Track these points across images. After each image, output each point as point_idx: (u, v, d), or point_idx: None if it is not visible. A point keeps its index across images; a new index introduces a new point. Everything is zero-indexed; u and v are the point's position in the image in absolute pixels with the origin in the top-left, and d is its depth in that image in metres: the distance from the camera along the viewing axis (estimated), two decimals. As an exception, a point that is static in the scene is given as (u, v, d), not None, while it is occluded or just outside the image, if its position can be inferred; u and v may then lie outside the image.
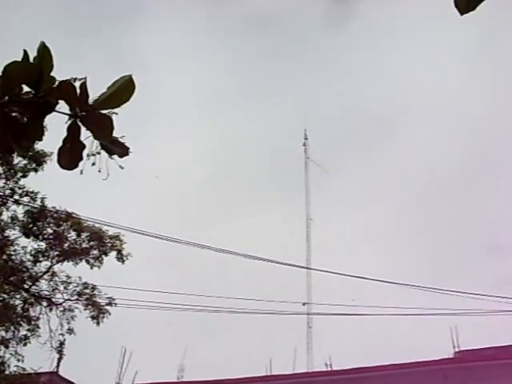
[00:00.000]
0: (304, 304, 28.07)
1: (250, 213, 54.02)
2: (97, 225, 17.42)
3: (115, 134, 2.38)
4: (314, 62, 59.74)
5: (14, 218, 16.58)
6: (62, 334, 16.93)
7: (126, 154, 2.46)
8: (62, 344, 16.96)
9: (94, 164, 2.45)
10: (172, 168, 54.78)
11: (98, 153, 2.43)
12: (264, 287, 26.81)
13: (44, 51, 2.21)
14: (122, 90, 2.24)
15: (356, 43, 55.83)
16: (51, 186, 17.18)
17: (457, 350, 21.56)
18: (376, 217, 53.09)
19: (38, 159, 15.47)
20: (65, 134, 2.34)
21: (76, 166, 2.37)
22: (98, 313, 17.01)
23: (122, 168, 2.48)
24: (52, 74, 2.24)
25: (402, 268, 40.60)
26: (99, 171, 2.45)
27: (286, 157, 55.99)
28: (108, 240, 17.44)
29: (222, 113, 58.71)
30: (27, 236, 16.77)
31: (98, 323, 17.00)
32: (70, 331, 17.13)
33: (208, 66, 53.64)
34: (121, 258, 17.45)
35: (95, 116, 2.30)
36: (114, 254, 17.51)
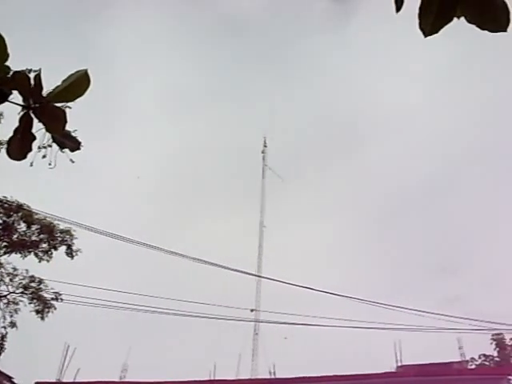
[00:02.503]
0: (252, 310, 28.15)
1: (205, 217, 53.88)
2: (48, 218, 17.17)
3: (69, 127, 2.36)
4: (284, 70, 60.20)
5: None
6: (4, 328, 16.60)
7: (78, 148, 2.45)
8: (2, 337, 16.61)
9: (44, 156, 2.43)
10: (133, 167, 54.34)
11: (50, 145, 2.41)
12: (214, 292, 26.72)
13: (-2, 41, 2.18)
14: (77, 84, 2.23)
15: (327, 56, 56.48)
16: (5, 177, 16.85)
17: (399, 364, 21.93)
18: (331, 229, 53.57)
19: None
20: (17, 124, 2.31)
21: (25, 157, 2.35)
22: (44, 307, 16.73)
23: (73, 162, 2.47)
24: (17, 65, 2.21)
25: (354, 281, 41.05)
26: (50, 164, 2.43)
27: (244, 163, 56.20)
28: (59, 234, 17.19)
29: (185, 114, 58.55)
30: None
31: (42, 318, 16.72)
32: (13, 325, 16.79)
33: (176, 66, 53.45)
34: (70, 253, 17.22)
35: (48, 108, 2.28)
36: (63, 248, 17.29)
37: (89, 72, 2.20)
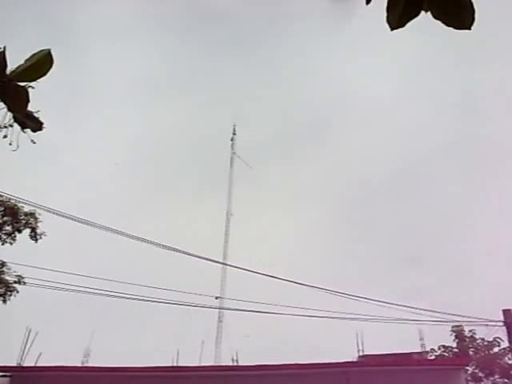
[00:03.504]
0: (217, 298, 28.20)
1: (172, 203, 53.71)
2: (12, 200, 16.91)
3: (32, 108, 2.34)
4: (257, 62, 60.05)
5: None
6: (-36, 310, 16.35)
7: (40, 128, 2.42)
8: (-38, 320, 16.37)
9: (5, 136, 2.40)
10: (100, 152, 53.77)
11: (11, 125, 2.38)
12: (179, 279, 26.67)
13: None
14: (40, 64, 2.21)
15: (298, 46, 56.49)
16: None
17: (361, 354, 22.25)
18: (299, 219, 53.89)
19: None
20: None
21: (-16, 136, 2.32)
22: (6, 290, 16.51)
23: (34, 143, 2.44)
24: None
25: (319, 271, 41.43)
26: (10, 144, 2.40)
27: (213, 151, 56.05)
28: (23, 217, 16.95)
29: (155, 101, 58.10)
30: None
31: (4, 301, 16.50)
32: (-28, 308, 16.55)
33: (147, 53, 52.90)
34: (34, 236, 17.00)
35: (11, 87, 2.25)
36: (27, 231, 17.06)
37: (52, 52, 2.19)
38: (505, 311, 19.26)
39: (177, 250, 15.84)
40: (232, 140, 48.54)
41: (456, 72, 54.19)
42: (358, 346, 23.34)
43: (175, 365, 23.11)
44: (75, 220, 15.08)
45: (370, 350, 21.45)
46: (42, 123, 2.40)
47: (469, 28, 2.48)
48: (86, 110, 50.76)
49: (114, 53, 51.66)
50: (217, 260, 19.81)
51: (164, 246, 15.76)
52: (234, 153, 47.70)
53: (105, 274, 17.66)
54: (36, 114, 2.38)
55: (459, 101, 54.71)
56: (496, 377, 28.89)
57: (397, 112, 56.36)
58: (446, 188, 54.76)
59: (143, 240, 15.34)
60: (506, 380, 28.46)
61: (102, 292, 16.42)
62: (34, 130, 2.40)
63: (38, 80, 2.23)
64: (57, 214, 16.28)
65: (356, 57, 55.15)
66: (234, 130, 48.86)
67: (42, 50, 2.20)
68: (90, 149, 52.42)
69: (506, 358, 27.62)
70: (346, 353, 22.94)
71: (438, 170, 56.32)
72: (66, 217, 15.82)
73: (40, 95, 2.31)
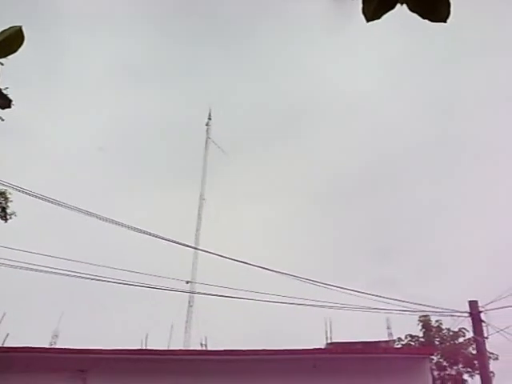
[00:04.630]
0: (187, 282, 28.17)
1: (146, 187, 53.44)
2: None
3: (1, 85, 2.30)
4: (236, 51, 59.78)
5: None
6: None
7: (8, 106, 2.39)
8: None
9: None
10: (75, 134, 53.11)
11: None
12: (151, 263, 26.62)
13: None
14: (10, 41, 2.17)
15: (279, 37, 56.36)
16: None
17: (329, 341, 22.54)
18: (272, 207, 54.04)
19: None
20: None
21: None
22: (-27, 270, 16.30)
23: (3, 120, 2.41)
24: None
25: (291, 260, 41.75)
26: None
27: (188, 136, 55.74)
28: (-8, 196, 16.72)
29: (131, 86, 57.50)
30: None
31: (-30, 280, 16.32)
32: None
33: (127, 37, 52.29)
34: (4, 216, 16.80)
35: (-21, 63, 2.21)
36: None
37: (23, 29, 2.15)
38: (470, 302, 19.59)
39: (148, 233, 15.77)
40: (207, 125, 48.31)
41: (437, 71, 54.73)
42: (326, 334, 23.68)
43: (144, 348, 23.14)
44: (46, 200, 14.91)
45: (338, 338, 21.75)
46: (10, 100, 2.36)
47: (444, 21, 2.49)
48: (61, 91, 50.11)
49: (91, 36, 51.03)
50: (188, 244, 19.78)
51: (135, 229, 15.68)
52: (209, 138, 47.52)
53: (76, 255, 17.53)
54: (5, 92, 2.34)
55: (437, 100, 55.30)
56: (460, 366, 29.49)
57: (376, 108, 56.80)
58: (419, 184, 55.48)
59: (114, 222, 15.24)
60: (469, 369, 29.06)
61: (72, 274, 16.28)
62: (2, 107, 2.37)
63: (8, 57, 2.19)
64: (28, 193, 16.05)
65: (338, 51, 55.22)
66: (210, 115, 48.62)
67: (13, 27, 2.16)
68: (65, 131, 51.83)
69: (470, 348, 28.17)
70: (315, 340, 23.25)
71: (413, 167, 57.02)
72: (37, 197, 15.60)
73: (11, 72, 2.28)
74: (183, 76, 59.23)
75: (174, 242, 16.30)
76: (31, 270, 16.08)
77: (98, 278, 16.48)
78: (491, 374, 23.72)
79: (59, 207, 14.71)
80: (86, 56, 52.02)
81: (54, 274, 16.02)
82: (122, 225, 15.40)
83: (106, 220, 15.40)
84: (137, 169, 54.54)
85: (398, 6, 2.49)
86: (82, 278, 16.30)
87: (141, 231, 15.73)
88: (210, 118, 48.45)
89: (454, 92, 53.76)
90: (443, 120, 55.57)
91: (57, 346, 25.14)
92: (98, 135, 51.72)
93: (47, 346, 22.74)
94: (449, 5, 2.44)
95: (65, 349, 16.90)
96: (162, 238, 15.86)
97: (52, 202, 14.71)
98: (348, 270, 43.98)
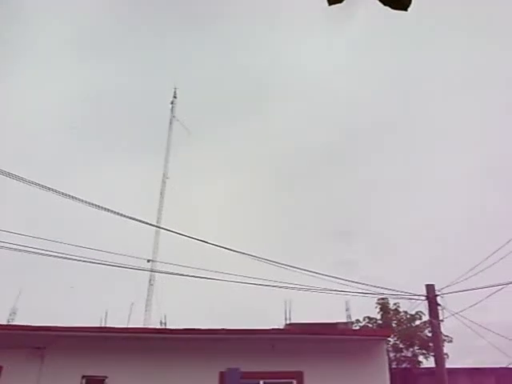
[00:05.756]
0: (148, 261, 28.11)
1: (107, 163, 52.75)
2: None
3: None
4: (201, 22, 59.05)
5: None
6: None
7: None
8: None
9: None
10: (35, 107, 51.96)
11: None
12: (111, 240, 26.41)
13: None
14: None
15: (247, 12, 55.93)
16: None
17: (288, 322, 22.78)
18: (235, 186, 54.04)
19: None
20: None
21: None
22: None
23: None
24: None
25: (253, 239, 41.89)
26: None
27: (152, 113, 55.20)
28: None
29: (94, 59, 56.36)
30: None
31: None
32: None
33: (88, 6, 51.06)
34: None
35: None
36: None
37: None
38: (427, 286, 20.01)
39: (109, 210, 15.61)
40: (172, 103, 47.99)
41: (401, 49, 55.15)
42: (286, 315, 23.93)
43: (103, 325, 23.04)
44: (4, 175, 14.57)
45: (298, 319, 21.99)
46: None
47: (405, 9, 2.50)
48: (22, 62, 48.85)
49: (50, 5, 49.67)
50: (149, 222, 19.66)
51: (97, 206, 15.49)
52: (174, 116, 47.17)
53: (34, 231, 17.23)
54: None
55: (401, 79, 55.78)
56: (415, 348, 30.14)
57: (339, 87, 56.89)
58: (379, 164, 56.00)
59: (72, 197, 15.00)
60: (424, 351, 29.73)
61: (30, 250, 16.02)
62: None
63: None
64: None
65: (301, 31, 55.25)
66: (175, 93, 48.33)
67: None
68: (23, 103, 50.69)
69: (426, 331, 28.80)
70: (276, 321, 23.49)
71: (374, 147, 57.46)
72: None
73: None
74: (147, 50, 58.51)
75: (136, 219, 16.18)
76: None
77: (57, 255, 16.28)
78: (445, 356, 24.38)
79: (14, 180, 14.36)
80: (43, 26, 50.76)
81: (12, 250, 15.75)
82: (83, 201, 15.18)
83: (67, 196, 15.16)
84: (96, 144, 53.84)
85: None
86: (42, 254, 16.06)
87: (102, 208, 15.56)
88: (175, 97, 48.14)
89: (417, 72, 54.44)
90: (407, 100, 56.25)
91: (14, 323, 24.87)
92: (58, 109, 50.80)
93: (4, 323, 22.45)
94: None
95: (22, 326, 16.71)
96: (124, 216, 15.73)
97: (10, 177, 14.40)
98: (309, 251, 44.30)
